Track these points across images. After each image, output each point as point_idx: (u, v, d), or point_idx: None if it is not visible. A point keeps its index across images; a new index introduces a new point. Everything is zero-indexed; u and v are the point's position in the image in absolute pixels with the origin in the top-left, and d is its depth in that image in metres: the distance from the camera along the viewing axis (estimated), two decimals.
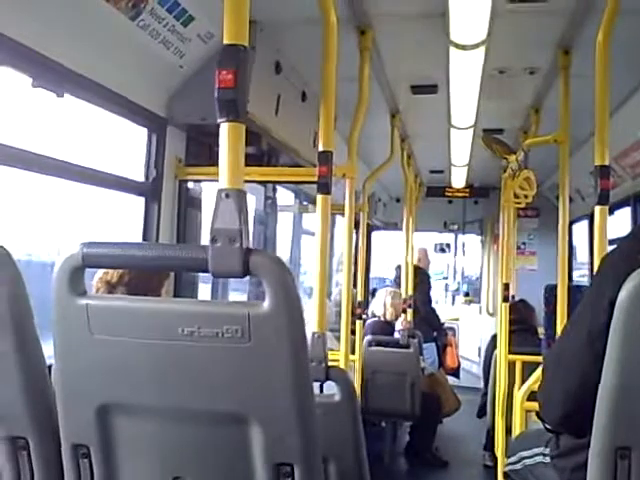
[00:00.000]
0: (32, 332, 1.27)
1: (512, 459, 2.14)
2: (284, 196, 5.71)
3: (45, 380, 1.29)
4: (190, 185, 3.23)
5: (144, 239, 2.98)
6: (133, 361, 1.16)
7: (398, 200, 8.00)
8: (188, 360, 1.13)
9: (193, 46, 2.76)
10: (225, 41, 1.21)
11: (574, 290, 3.07)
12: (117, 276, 2.08)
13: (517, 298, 5.84)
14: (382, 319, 5.36)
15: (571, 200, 4.50)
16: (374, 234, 8.54)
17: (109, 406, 1.18)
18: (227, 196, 1.15)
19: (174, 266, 1.30)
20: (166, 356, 1.14)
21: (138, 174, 2.99)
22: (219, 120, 1.19)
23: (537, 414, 1.67)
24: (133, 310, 1.16)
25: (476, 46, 3.02)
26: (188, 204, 3.19)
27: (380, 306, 5.41)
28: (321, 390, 1.87)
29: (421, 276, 6.30)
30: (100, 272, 2.11)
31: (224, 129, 1.19)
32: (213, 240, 1.11)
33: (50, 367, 1.25)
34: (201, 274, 2.91)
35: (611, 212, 3.95)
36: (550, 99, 3.78)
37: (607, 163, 2.31)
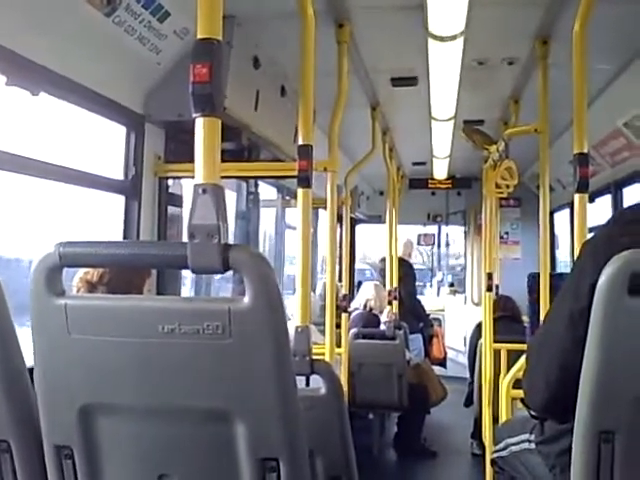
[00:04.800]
0: (11, 335, 1.25)
1: (499, 446, 2.16)
2: (267, 191, 5.70)
3: (26, 382, 1.27)
4: (170, 182, 3.21)
5: (125, 237, 2.96)
6: (113, 360, 1.15)
7: (381, 193, 8.00)
8: (169, 358, 1.12)
9: (169, 42, 2.74)
10: (199, 35, 1.21)
11: (556, 278, 3.09)
12: (97, 275, 2.06)
13: (501, 287, 5.88)
14: (370, 311, 5.38)
15: (552, 189, 4.55)
16: (358, 227, 8.55)
17: (91, 406, 1.17)
18: (204, 191, 1.14)
19: (153, 263, 1.29)
20: (147, 354, 1.13)
21: (117, 172, 2.97)
22: (194, 115, 1.18)
23: (522, 400, 1.69)
24: (112, 309, 1.15)
25: (454, 37, 3.03)
26: (168, 201, 3.17)
27: (365, 298, 5.42)
28: (307, 384, 1.87)
29: (406, 268, 6.31)
30: (81, 271, 2.09)
31: (199, 124, 1.18)
32: (191, 236, 1.11)
33: (31, 369, 1.24)
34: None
35: (592, 200, 3.99)
36: (529, 89, 3.80)
37: (586, 151, 2.32)
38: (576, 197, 2.35)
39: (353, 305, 5.46)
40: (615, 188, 4.88)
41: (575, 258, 1.52)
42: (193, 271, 1.12)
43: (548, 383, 1.46)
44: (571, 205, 5.44)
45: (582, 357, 1.28)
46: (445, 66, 3.48)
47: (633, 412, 1.25)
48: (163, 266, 2.02)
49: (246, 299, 1.08)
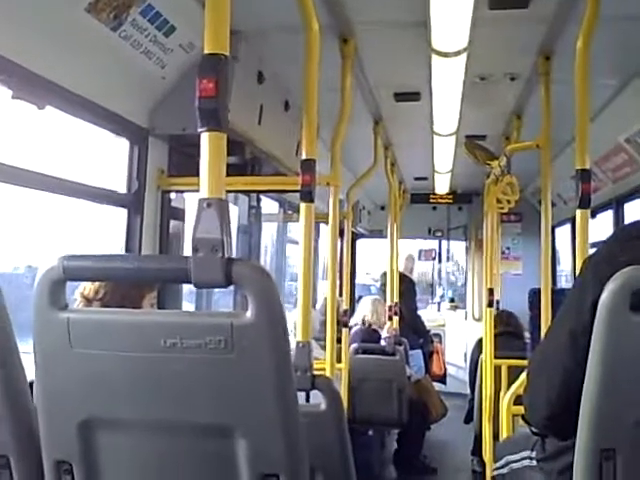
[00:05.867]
0: (13, 349, 1.25)
1: (499, 463, 2.14)
2: (269, 205, 5.70)
3: (26, 397, 1.27)
4: (172, 196, 3.21)
5: (127, 251, 2.95)
6: (115, 375, 1.14)
7: (383, 208, 8.00)
8: (171, 372, 1.12)
9: (175, 56, 2.75)
10: (206, 50, 1.21)
11: (558, 293, 3.08)
12: (93, 291, 2.06)
13: (502, 303, 5.86)
14: (370, 326, 5.35)
15: (553, 204, 4.54)
16: (359, 242, 8.55)
17: (91, 421, 1.17)
18: (209, 205, 1.14)
19: (156, 277, 1.29)
20: (149, 369, 1.13)
21: (120, 186, 2.97)
22: (200, 129, 1.18)
23: (523, 417, 1.67)
24: (115, 323, 1.15)
25: (457, 53, 3.04)
26: (171, 215, 3.17)
27: (369, 313, 5.40)
28: (307, 399, 1.86)
29: (406, 283, 6.30)
30: (81, 287, 2.09)
31: (205, 138, 1.19)
32: (195, 250, 1.11)
33: (31, 384, 1.23)
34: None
35: (593, 216, 4.00)
36: (531, 105, 3.81)
37: (588, 167, 2.32)
38: (578, 213, 2.35)
39: (353, 320, 5.44)
40: (617, 204, 4.88)
41: (577, 274, 1.52)
42: (196, 285, 1.12)
43: (549, 400, 1.45)
44: (572, 220, 5.44)
45: (584, 374, 1.28)
46: (448, 82, 3.49)
47: (635, 429, 1.24)
48: (165, 280, 2.02)
49: (249, 314, 1.08)
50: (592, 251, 1.53)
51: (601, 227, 5.21)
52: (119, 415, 1.17)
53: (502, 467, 2.10)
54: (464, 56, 3.07)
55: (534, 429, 1.70)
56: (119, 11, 2.30)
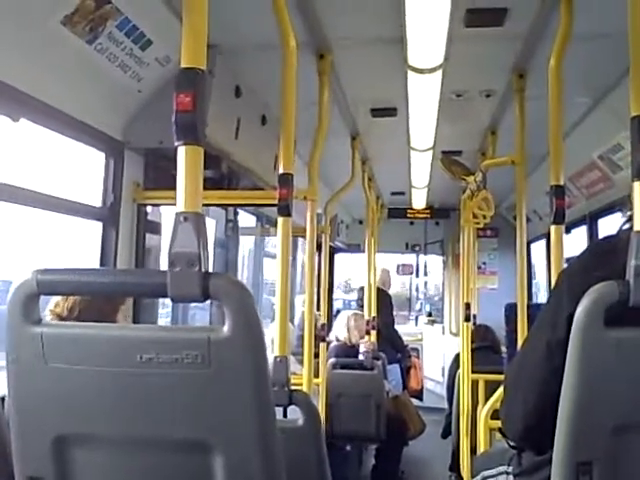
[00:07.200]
0: None
1: (475, 479, 2.14)
2: (246, 219, 5.68)
3: None
4: (149, 209, 3.19)
5: (101, 265, 2.92)
6: (90, 390, 1.13)
7: (360, 222, 8.03)
8: (147, 388, 1.11)
9: (151, 70, 2.75)
10: (183, 64, 1.21)
11: (534, 308, 3.10)
12: (67, 310, 2.01)
13: (478, 317, 5.90)
14: (346, 343, 5.32)
15: (529, 220, 4.59)
16: (337, 256, 8.56)
17: (66, 437, 1.15)
18: (185, 219, 1.14)
19: (132, 292, 1.28)
20: (124, 384, 1.12)
21: (95, 199, 2.95)
22: (176, 143, 1.18)
23: (500, 430, 1.68)
24: (90, 338, 1.14)
25: (433, 70, 3.08)
26: (147, 229, 3.15)
27: (342, 329, 5.38)
28: (284, 414, 1.86)
29: (383, 297, 6.31)
30: (51, 304, 2.05)
31: (182, 152, 1.18)
32: (171, 264, 1.10)
33: (3, 398, 1.21)
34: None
35: (568, 231, 4.04)
36: (506, 121, 3.86)
37: (562, 183, 2.35)
38: (552, 228, 2.36)
39: (331, 335, 5.41)
40: (590, 220, 4.95)
41: (551, 288, 1.53)
42: (173, 300, 1.11)
43: (525, 412, 1.45)
44: (547, 236, 5.50)
45: (559, 387, 1.28)
46: (424, 98, 3.53)
47: (611, 443, 1.25)
48: (142, 295, 2.00)
49: (225, 328, 1.08)
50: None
51: (575, 242, 5.28)
52: (94, 431, 1.15)
53: None
54: (440, 73, 3.11)
55: (511, 442, 1.70)
56: (95, 24, 2.29)
